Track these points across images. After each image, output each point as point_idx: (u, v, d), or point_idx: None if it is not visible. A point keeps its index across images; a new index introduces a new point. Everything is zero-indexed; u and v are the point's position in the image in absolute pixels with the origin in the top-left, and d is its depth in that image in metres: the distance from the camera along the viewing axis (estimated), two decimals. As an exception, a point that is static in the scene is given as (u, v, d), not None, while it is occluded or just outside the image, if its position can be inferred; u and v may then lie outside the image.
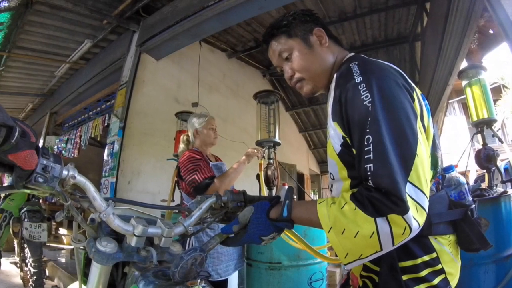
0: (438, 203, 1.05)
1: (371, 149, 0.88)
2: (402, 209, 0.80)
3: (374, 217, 0.83)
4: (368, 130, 0.89)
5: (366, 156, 0.88)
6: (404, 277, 0.97)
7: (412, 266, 0.98)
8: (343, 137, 1.01)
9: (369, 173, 0.87)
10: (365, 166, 0.88)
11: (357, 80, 0.97)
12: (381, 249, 0.85)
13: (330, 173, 1.16)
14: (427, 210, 0.86)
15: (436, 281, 0.97)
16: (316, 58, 1.21)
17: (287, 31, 1.22)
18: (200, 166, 2.45)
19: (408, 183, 0.84)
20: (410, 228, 0.82)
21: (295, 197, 7.24)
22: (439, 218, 1.04)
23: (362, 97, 0.93)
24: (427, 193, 0.87)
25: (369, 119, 0.90)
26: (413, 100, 0.98)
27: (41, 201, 4.83)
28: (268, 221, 1.05)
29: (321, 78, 1.23)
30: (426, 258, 0.98)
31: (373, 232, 0.83)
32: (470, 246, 1.06)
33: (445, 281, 0.99)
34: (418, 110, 0.98)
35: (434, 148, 1.12)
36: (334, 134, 1.05)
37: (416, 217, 0.82)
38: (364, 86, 0.94)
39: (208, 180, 2.41)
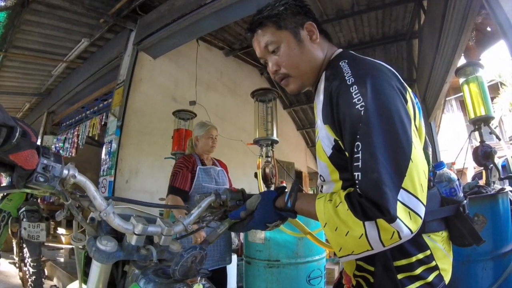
0: (431, 200, 1.02)
1: (360, 157, 0.86)
2: (389, 219, 0.80)
3: (363, 221, 0.84)
4: (358, 137, 0.87)
5: (355, 164, 0.87)
6: (399, 276, 0.97)
7: (407, 264, 0.98)
8: (335, 140, 1.00)
9: (357, 182, 0.86)
10: (354, 173, 0.87)
11: (349, 81, 0.93)
12: (372, 249, 0.86)
13: (320, 175, 1.16)
14: (422, 216, 0.84)
15: (430, 277, 0.98)
16: (305, 55, 1.13)
17: (277, 21, 1.12)
18: (179, 174, 2.80)
19: (401, 190, 0.83)
20: (399, 234, 0.81)
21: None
22: (432, 216, 1.04)
23: (354, 101, 0.89)
24: (423, 198, 0.86)
25: (360, 124, 0.87)
26: (406, 101, 0.96)
27: (39, 200, 4.82)
28: (274, 209, 1.09)
29: (309, 75, 1.17)
30: (420, 256, 0.98)
31: (362, 234, 0.84)
32: (463, 241, 1.07)
33: (439, 277, 0.99)
34: (411, 112, 0.96)
35: (426, 145, 1.12)
36: (325, 136, 1.03)
37: (408, 224, 0.81)
38: (356, 88, 0.91)
39: (173, 189, 2.76)
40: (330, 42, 1.22)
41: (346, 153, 0.95)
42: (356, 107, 0.88)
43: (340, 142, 0.98)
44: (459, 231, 1.06)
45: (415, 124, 0.98)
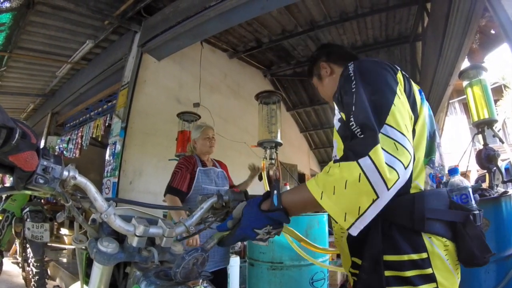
0: (435, 199, 1.01)
1: (354, 102, 0.99)
2: (374, 138, 0.87)
3: (356, 159, 0.85)
4: (353, 90, 1.03)
5: (352, 108, 0.99)
6: (387, 273, 0.95)
7: (396, 261, 0.95)
8: (339, 112, 1.14)
9: (351, 116, 0.96)
10: (350, 112, 0.98)
11: (349, 67, 1.13)
12: (377, 196, 0.83)
13: (334, 156, 1.20)
14: (411, 152, 0.89)
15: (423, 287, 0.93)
16: (327, 87, 1.52)
17: (310, 73, 1.64)
18: (178, 174, 2.84)
19: (385, 125, 0.90)
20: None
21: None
22: (434, 214, 1.00)
23: (350, 73, 1.09)
24: (409, 137, 0.92)
25: (353, 83, 1.05)
26: (397, 80, 1.08)
27: (42, 201, 4.84)
28: (260, 212, 1.02)
29: None
30: (414, 256, 0.95)
31: (360, 173, 0.83)
32: (470, 259, 1.00)
33: None
34: (402, 86, 1.08)
35: (434, 136, 1.14)
36: (336, 112, 1.19)
37: (396, 155, 0.85)
38: (352, 68, 1.10)
39: (171, 188, 2.80)
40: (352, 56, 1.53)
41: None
42: (351, 77, 1.08)
43: (342, 114, 1.11)
44: (465, 243, 0.99)
45: (415, 110, 1.09)
